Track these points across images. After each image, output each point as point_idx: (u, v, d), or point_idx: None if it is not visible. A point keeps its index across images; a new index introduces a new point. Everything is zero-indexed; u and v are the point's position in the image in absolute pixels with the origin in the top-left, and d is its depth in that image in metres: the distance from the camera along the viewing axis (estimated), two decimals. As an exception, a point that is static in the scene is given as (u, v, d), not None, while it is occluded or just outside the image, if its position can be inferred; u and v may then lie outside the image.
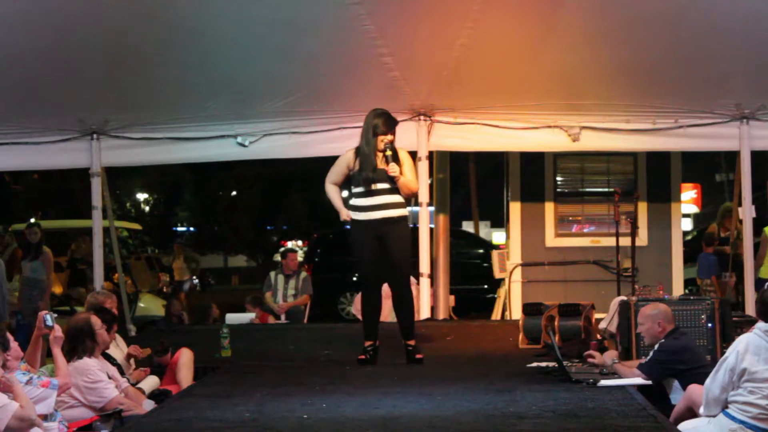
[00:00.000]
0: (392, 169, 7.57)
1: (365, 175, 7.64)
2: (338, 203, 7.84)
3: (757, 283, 9.76)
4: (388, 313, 9.82)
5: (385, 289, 8.08)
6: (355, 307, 12.30)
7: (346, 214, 7.79)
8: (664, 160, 11.51)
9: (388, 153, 7.59)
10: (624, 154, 11.24)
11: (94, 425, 6.26)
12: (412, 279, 9.52)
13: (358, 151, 7.76)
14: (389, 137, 7.65)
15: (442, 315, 11.60)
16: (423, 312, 10.07)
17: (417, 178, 7.99)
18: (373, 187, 7.65)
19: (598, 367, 7.12)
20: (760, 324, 5.62)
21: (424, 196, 10.07)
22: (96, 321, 6.63)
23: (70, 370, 6.09)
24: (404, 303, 7.91)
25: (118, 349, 7.58)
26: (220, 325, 9.36)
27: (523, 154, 11.41)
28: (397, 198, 7.73)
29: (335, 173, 7.82)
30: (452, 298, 12.51)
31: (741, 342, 5.61)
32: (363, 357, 7.85)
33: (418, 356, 7.84)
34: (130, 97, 9.30)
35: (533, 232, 11.73)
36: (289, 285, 12.26)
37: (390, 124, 7.69)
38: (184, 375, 7.51)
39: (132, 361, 7.55)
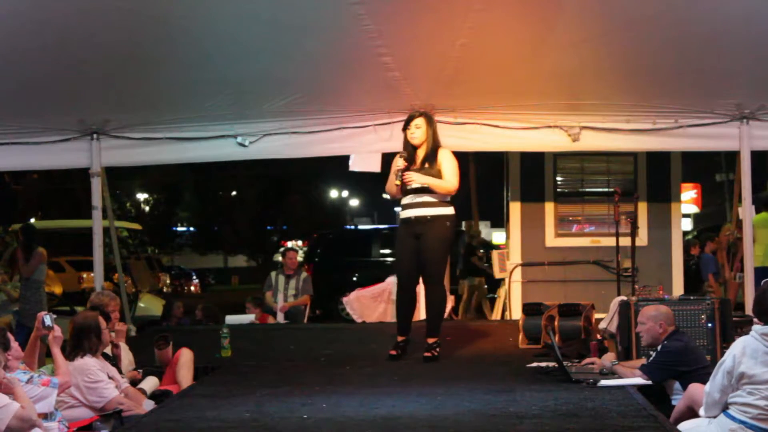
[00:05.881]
0: (408, 178, 7.93)
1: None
2: (391, 177, 8.10)
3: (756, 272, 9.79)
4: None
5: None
6: (350, 307, 12.32)
7: (401, 164, 8.07)
8: (664, 160, 11.51)
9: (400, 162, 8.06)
10: (624, 154, 11.24)
11: (94, 425, 6.27)
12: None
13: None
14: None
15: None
16: (421, 312, 10.06)
17: (455, 176, 8.08)
18: (410, 186, 7.97)
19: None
20: (756, 326, 5.59)
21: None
22: (103, 321, 6.69)
23: (70, 369, 6.10)
24: (431, 302, 8.12)
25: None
26: (220, 325, 9.36)
27: (523, 154, 11.41)
28: (431, 197, 7.96)
29: (390, 181, 8.16)
30: (452, 298, 12.51)
31: (737, 345, 5.59)
32: (394, 352, 8.06)
33: (426, 354, 8.00)
34: (130, 97, 9.28)
35: (533, 232, 11.74)
36: (290, 285, 12.27)
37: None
38: (184, 375, 7.50)
39: (122, 350, 7.51)
